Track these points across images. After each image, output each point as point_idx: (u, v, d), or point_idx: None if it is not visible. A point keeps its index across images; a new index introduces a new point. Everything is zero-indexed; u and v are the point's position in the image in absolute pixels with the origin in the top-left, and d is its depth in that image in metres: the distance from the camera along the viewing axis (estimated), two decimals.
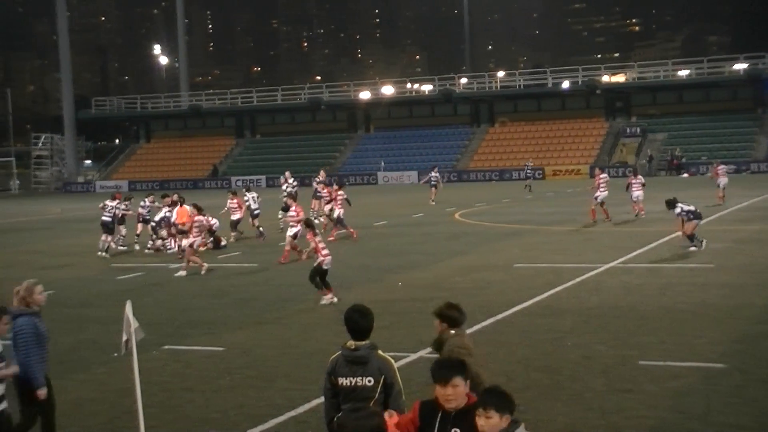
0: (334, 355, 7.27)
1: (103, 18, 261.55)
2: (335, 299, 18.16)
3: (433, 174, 49.21)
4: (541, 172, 70.52)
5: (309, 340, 14.99)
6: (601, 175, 33.57)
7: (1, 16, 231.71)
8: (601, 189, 32.86)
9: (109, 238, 28.34)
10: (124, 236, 29.78)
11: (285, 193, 36.32)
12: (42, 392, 9.38)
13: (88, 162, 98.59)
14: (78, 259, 27.88)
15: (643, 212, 33.96)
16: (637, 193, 34.29)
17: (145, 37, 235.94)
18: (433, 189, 47.75)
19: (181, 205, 28.36)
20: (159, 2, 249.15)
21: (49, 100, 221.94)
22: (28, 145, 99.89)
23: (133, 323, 9.16)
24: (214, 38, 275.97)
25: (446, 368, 6.00)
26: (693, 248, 23.82)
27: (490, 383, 6.03)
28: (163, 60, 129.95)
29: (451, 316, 8.18)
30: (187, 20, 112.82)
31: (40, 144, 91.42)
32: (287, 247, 24.99)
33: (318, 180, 39.55)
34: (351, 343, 7.15)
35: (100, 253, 27.84)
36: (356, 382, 7.04)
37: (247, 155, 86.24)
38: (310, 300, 18.69)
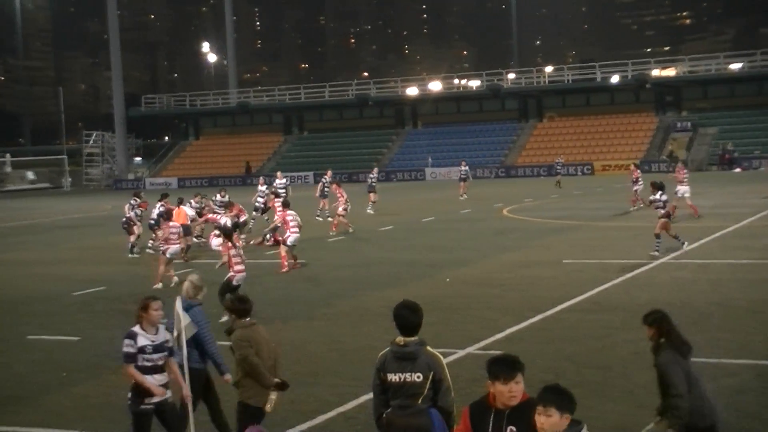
0: (383, 351, 7.26)
1: (152, 16, 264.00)
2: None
3: (462, 168, 49.19)
4: (590, 167, 70.03)
5: (358, 336, 15.00)
6: (684, 170, 33.31)
7: (53, 16, 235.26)
8: (686, 183, 32.39)
9: (132, 238, 28.12)
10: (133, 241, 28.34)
11: (262, 196, 34.83)
12: (229, 377, 9.67)
13: (138, 159, 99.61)
14: (129, 255, 28.18)
15: (641, 204, 34.26)
16: (639, 186, 34.51)
17: (194, 34, 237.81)
18: (463, 183, 47.82)
19: (179, 206, 27.84)
20: (207, 0, 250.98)
21: (99, 98, 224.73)
22: (80, 142, 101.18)
23: (184, 319, 9.25)
24: (262, 35, 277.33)
25: (508, 364, 5.80)
26: (656, 252, 22.62)
27: (548, 381, 5.93)
28: (212, 57, 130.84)
29: (235, 308, 9.21)
30: (235, 18, 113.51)
31: (91, 141, 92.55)
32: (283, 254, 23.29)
33: (325, 180, 39.41)
34: (400, 339, 7.14)
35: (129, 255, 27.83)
36: (405, 378, 7.03)
37: (295, 152, 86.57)
38: (359, 296, 18.72)
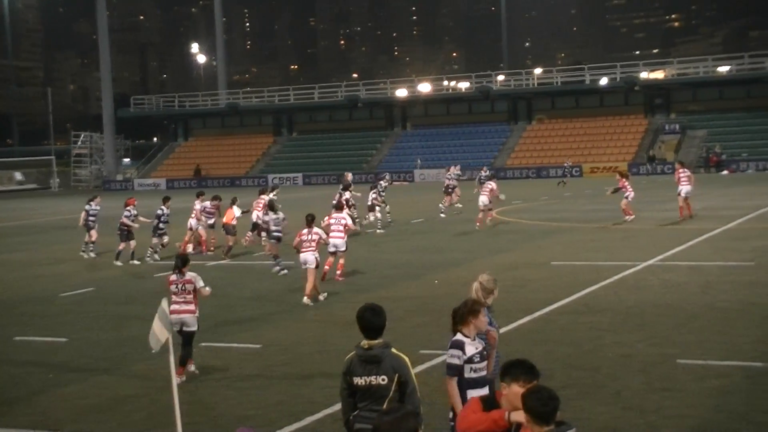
0: (349, 355, 7.27)
1: (142, 17, 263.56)
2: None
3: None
4: (578, 169, 70.16)
5: (348, 337, 14.96)
6: (681, 170, 32.24)
7: (42, 16, 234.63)
8: (683, 183, 31.44)
9: (89, 238, 28.16)
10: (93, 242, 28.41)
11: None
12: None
13: (127, 160, 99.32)
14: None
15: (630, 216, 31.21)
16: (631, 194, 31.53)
17: (183, 35, 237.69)
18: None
19: (231, 206, 27.60)
20: (197, 1, 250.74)
21: (89, 99, 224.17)
22: (68, 143, 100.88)
23: (161, 323, 9.12)
24: (252, 36, 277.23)
25: (529, 369, 5.75)
26: (279, 269, 22.33)
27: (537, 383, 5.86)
28: (202, 58, 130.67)
29: None
30: (225, 19, 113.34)
31: (80, 142, 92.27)
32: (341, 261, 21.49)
33: (449, 176, 40.17)
34: (365, 343, 7.14)
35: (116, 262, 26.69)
36: (371, 381, 7.04)
37: (286, 153, 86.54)
38: (349, 298, 18.70)
